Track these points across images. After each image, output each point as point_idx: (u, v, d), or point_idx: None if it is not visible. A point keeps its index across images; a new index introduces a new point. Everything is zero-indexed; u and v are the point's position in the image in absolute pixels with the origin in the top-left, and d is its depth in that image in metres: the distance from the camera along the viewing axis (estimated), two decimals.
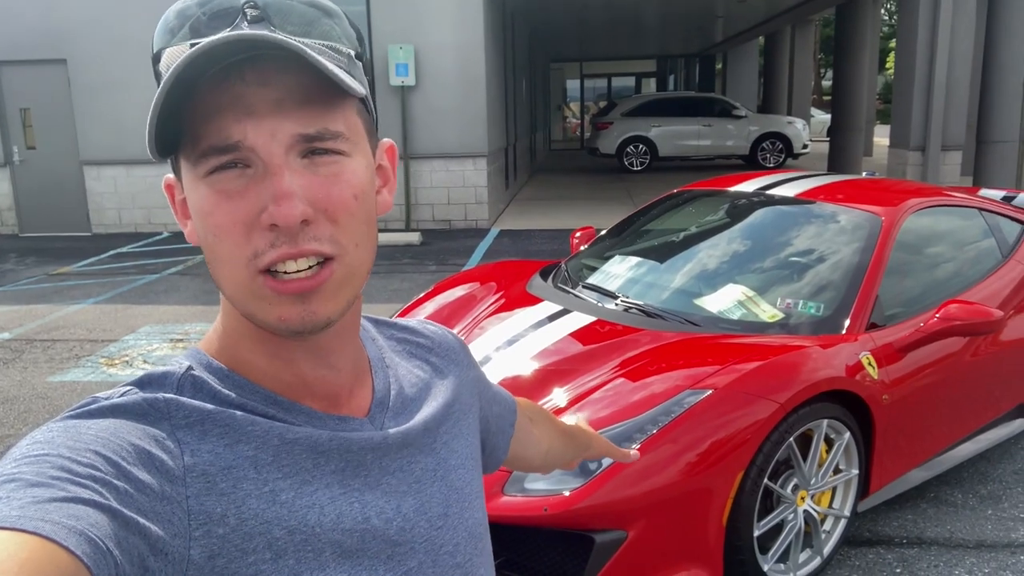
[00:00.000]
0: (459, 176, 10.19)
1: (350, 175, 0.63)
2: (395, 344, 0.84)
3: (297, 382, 0.68)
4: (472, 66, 9.83)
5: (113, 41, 10.02)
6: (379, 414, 0.73)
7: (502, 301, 3.61)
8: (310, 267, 0.62)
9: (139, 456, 0.56)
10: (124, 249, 9.39)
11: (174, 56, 0.61)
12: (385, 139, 0.73)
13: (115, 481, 0.52)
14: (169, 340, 5.63)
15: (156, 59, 0.63)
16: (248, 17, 0.60)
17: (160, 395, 0.62)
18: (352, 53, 0.65)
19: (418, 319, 0.92)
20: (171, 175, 0.68)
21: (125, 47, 10.00)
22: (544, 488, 2.40)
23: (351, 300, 0.66)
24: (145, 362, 5.15)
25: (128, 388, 0.63)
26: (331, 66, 0.59)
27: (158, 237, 10.18)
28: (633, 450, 1.20)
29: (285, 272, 0.61)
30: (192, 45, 0.60)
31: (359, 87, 0.62)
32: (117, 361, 5.20)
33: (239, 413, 0.63)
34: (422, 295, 3.96)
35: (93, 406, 0.59)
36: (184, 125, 0.60)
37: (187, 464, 0.59)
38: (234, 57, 0.58)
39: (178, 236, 10.14)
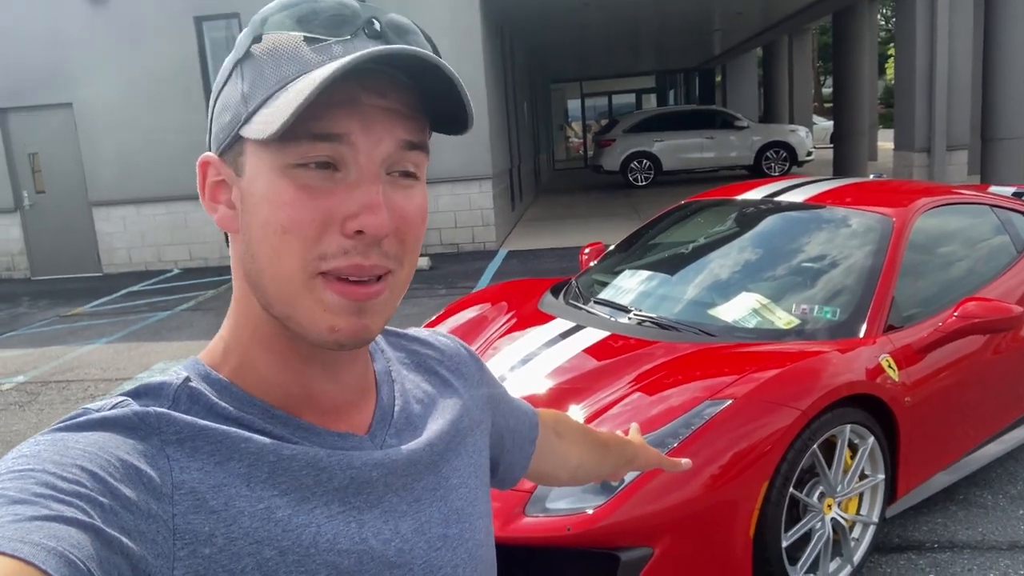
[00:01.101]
0: (465, 199, 10.22)
1: (420, 199, 0.66)
2: (404, 355, 0.82)
3: (302, 394, 0.67)
4: (473, 90, 9.89)
5: (117, 83, 10.14)
6: (380, 431, 0.71)
7: (514, 320, 3.59)
8: (369, 279, 0.63)
9: (126, 472, 0.54)
10: (135, 288, 9.43)
11: (288, 44, 0.61)
12: None
13: (100, 498, 0.51)
14: None
15: (257, 39, 0.62)
16: (367, 32, 0.62)
17: (152, 409, 0.60)
18: None
19: (431, 330, 0.90)
20: (211, 154, 0.66)
21: (130, 89, 10.12)
22: (566, 507, 2.36)
23: (391, 317, 0.67)
24: None
25: (121, 399, 0.61)
26: (466, 95, 0.62)
27: (168, 274, 10.23)
28: (685, 459, 1.16)
29: (349, 279, 0.62)
30: (307, 40, 0.60)
31: (474, 117, 0.64)
32: None
33: (233, 429, 0.62)
34: (433, 318, 3.95)
35: (83, 418, 0.58)
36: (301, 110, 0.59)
37: (176, 481, 0.57)
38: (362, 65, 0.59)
39: (189, 272, 10.18)
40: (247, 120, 0.60)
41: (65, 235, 10.66)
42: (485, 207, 10.27)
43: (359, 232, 0.60)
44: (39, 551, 0.45)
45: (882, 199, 3.54)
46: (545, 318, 3.48)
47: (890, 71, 36.67)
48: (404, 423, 0.74)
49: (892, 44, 36.72)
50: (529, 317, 3.56)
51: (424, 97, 0.63)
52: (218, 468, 0.60)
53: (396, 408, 0.74)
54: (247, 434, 0.62)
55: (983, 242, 3.61)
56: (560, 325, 3.35)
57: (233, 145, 0.63)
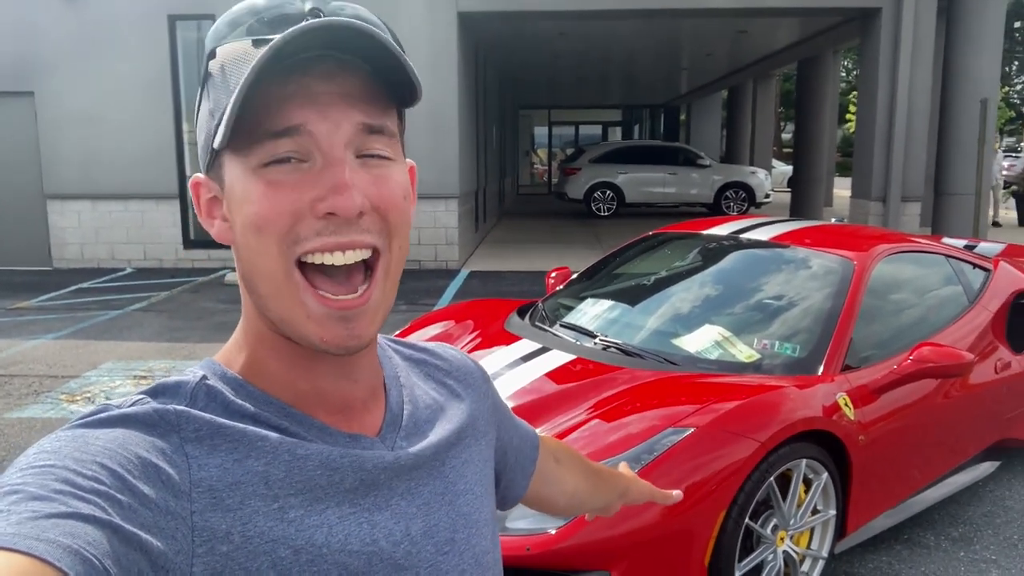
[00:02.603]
0: (431, 217, 10.22)
1: (398, 177, 0.66)
2: (412, 364, 0.83)
3: (313, 392, 0.68)
4: (446, 110, 9.93)
5: (82, 74, 9.94)
6: (391, 433, 0.72)
7: (479, 339, 3.60)
8: (356, 263, 0.63)
9: (145, 469, 0.55)
10: (86, 284, 9.20)
11: (237, 52, 0.61)
12: (408, 159, 0.74)
13: (118, 495, 0.52)
14: (132, 377, 5.49)
15: (211, 55, 0.63)
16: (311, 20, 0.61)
17: (171, 406, 0.61)
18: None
19: (439, 343, 0.91)
20: (200, 175, 0.68)
21: (94, 81, 9.94)
22: (526, 527, 2.37)
23: (385, 318, 0.67)
24: (108, 399, 5.01)
25: (140, 397, 0.62)
26: (406, 58, 0.61)
27: (121, 273, 10.00)
28: (676, 491, 1.15)
29: (331, 269, 0.62)
30: (255, 42, 0.61)
31: (420, 84, 0.64)
32: (78, 397, 5.06)
33: (250, 427, 0.63)
34: (397, 333, 3.93)
35: (103, 414, 0.59)
36: (241, 117, 0.59)
37: (194, 479, 0.58)
38: (306, 53, 0.59)
39: (142, 272, 9.98)
40: (216, 133, 0.61)
41: (15, 226, 10.36)
42: (450, 226, 10.28)
43: (331, 214, 0.60)
44: (55, 549, 0.45)
45: (844, 243, 3.64)
46: (511, 338, 3.49)
47: (850, 120, 37.79)
48: (413, 427, 0.75)
49: (851, 95, 37.84)
50: (495, 336, 3.57)
51: (380, 78, 0.63)
52: (236, 466, 0.60)
53: (405, 413, 0.75)
54: (264, 432, 0.63)
55: (938, 290, 3.74)
56: (526, 346, 3.36)
57: (214, 161, 0.65)
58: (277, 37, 0.57)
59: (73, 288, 8.98)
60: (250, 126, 0.59)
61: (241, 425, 0.62)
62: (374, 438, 0.70)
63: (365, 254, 0.63)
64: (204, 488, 0.58)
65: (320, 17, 0.62)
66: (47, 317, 7.45)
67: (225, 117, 0.58)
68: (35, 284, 9.24)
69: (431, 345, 0.88)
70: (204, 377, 0.66)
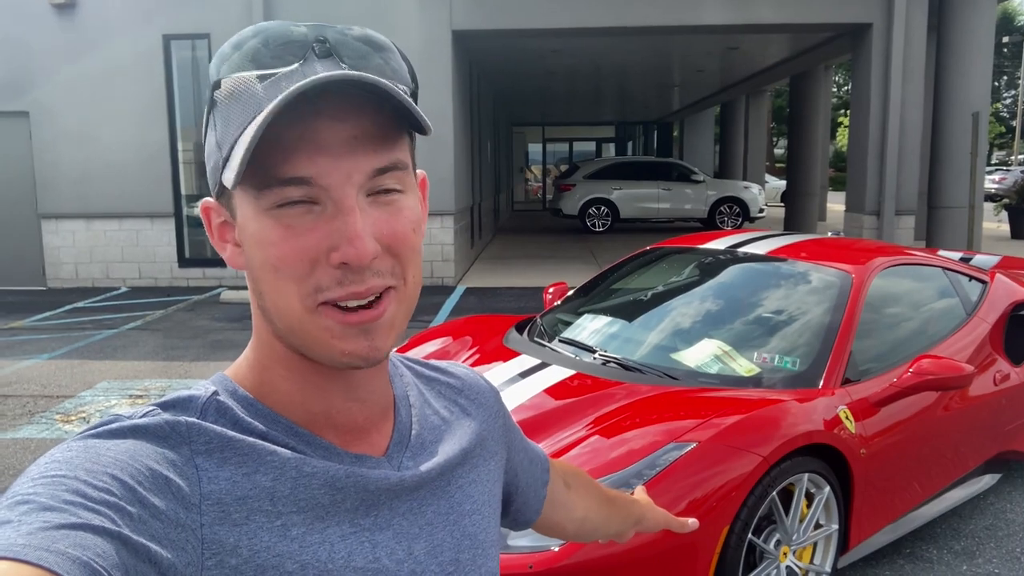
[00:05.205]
0: (427, 233, 10.22)
1: (408, 210, 0.65)
2: (423, 382, 0.83)
3: (323, 411, 0.68)
4: (440, 127, 9.96)
5: (77, 94, 9.96)
6: (397, 453, 0.72)
7: (478, 355, 3.59)
8: (370, 300, 0.63)
9: (155, 481, 0.55)
10: (80, 304, 9.16)
11: (241, 85, 0.60)
12: (419, 170, 0.73)
13: (129, 506, 0.52)
14: (128, 396, 5.46)
15: (216, 85, 0.62)
16: (318, 52, 0.61)
17: (182, 418, 0.61)
18: (407, 90, 0.66)
19: (451, 361, 0.91)
20: (211, 199, 0.67)
21: (89, 100, 9.95)
22: (528, 545, 2.35)
23: (403, 332, 0.68)
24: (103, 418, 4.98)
25: (151, 409, 0.63)
26: (417, 108, 0.61)
27: (116, 292, 9.97)
28: (691, 519, 1.13)
29: (347, 306, 0.62)
30: (259, 77, 0.60)
31: (430, 125, 0.63)
32: (73, 417, 5.02)
33: (259, 442, 0.63)
34: (396, 349, 3.91)
35: (115, 425, 0.59)
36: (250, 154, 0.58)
37: (204, 492, 0.58)
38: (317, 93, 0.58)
39: (137, 291, 9.95)
40: (224, 166, 0.61)
41: (9, 246, 10.33)
42: (446, 242, 10.28)
43: (344, 263, 0.60)
44: (63, 560, 0.45)
45: (841, 256, 3.65)
46: (510, 354, 3.48)
47: (840, 136, 38.07)
48: (420, 447, 0.75)
49: (842, 110, 38.14)
50: (493, 352, 3.56)
51: (391, 112, 0.62)
52: (245, 479, 0.61)
53: (413, 432, 0.75)
54: (272, 447, 0.63)
55: (936, 302, 3.74)
56: (525, 362, 3.35)
57: (223, 191, 0.64)
58: (288, 91, 0.56)
59: (68, 307, 8.94)
60: (260, 168, 0.58)
61: (251, 439, 0.63)
62: (380, 458, 0.70)
63: (378, 292, 0.63)
64: (213, 501, 0.58)
65: (326, 45, 0.61)
66: (41, 337, 7.41)
67: (237, 160, 0.57)
68: (29, 304, 9.21)
69: (443, 363, 0.88)
70: (215, 393, 0.66)
